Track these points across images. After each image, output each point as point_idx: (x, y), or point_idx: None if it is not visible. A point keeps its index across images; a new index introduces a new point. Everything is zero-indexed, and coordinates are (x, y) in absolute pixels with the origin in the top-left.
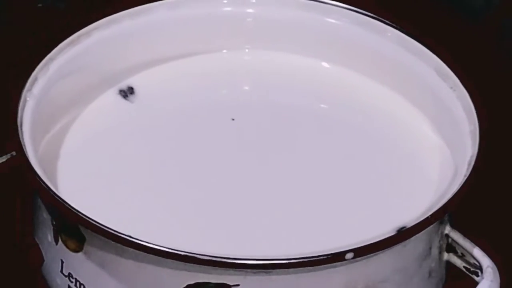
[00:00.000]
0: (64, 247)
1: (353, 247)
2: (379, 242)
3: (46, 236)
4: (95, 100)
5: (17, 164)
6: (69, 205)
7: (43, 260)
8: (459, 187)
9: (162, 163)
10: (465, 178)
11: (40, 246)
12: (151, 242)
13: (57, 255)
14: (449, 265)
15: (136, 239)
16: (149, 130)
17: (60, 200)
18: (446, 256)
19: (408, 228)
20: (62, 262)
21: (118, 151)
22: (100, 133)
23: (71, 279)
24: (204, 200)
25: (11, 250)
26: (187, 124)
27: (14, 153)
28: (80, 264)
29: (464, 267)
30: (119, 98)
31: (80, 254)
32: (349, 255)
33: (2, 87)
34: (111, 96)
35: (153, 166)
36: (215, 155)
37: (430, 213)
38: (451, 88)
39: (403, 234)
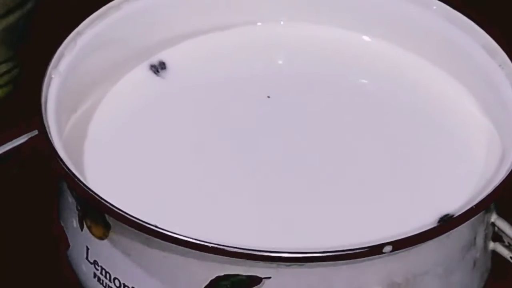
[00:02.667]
0: (89, 234)
1: (391, 240)
2: (420, 234)
3: (72, 222)
4: (124, 77)
5: (40, 145)
6: (95, 193)
7: (69, 245)
8: (507, 174)
9: (194, 145)
10: None
11: (65, 230)
12: (178, 233)
13: (82, 242)
14: (495, 254)
15: (163, 229)
16: (181, 109)
17: (85, 188)
18: (492, 245)
19: (452, 218)
20: (88, 248)
21: (149, 131)
22: (129, 112)
23: (96, 266)
24: (237, 187)
25: (37, 234)
26: (220, 102)
27: (36, 131)
28: (105, 251)
29: (510, 257)
30: (150, 74)
31: (105, 241)
32: (387, 248)
33: (28, 64)
34: (142, 72)
35: (184, 148)
36: (249, 136)
37: (475, 201)
38: (500, 66)
39: (445, 226)
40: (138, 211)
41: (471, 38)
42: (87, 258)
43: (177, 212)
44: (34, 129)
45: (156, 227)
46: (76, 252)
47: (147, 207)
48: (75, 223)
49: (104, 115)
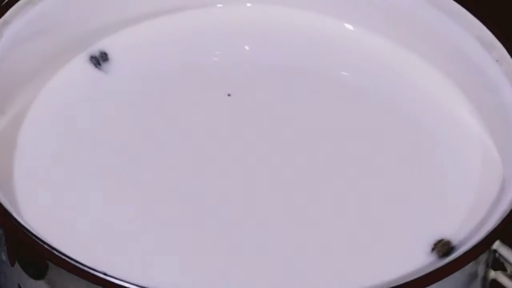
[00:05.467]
0: (22, 271)
1: (393, 285)
2: (420, 279)
3: (0, 254)
4: (60, 71)
5: None
6: (31, 233)
7: None
8: None
9: (142, 152)
10: None
11: None
12: (131, 282)
13: (13, 278)
14: (494, 284)
15: (114, 277)
16: (127, 108)
17: (19, 226)
18: (492, 274)
19: (461, 254)
20: (20, 287)
21: (91, 137)
22: (67, 113)
23: None
24: (194, 207)
25: None
26: (173, 99)
27: None
28: None
29: None
30: (91, 67)
31: (41, 282)
32: None
33: None
34: (80, 64)
35: (130, 158)
36: (206, 141)
37: (484, 230)
38: (497, 61)
39: (450, 266)
40: (77, 246)
41: (463, 28)
42: None
43: (125, 243)
44: None
45: (105, 274)
46: None
47: (86, 237)
48: (3, 255)
49: (36, 118)
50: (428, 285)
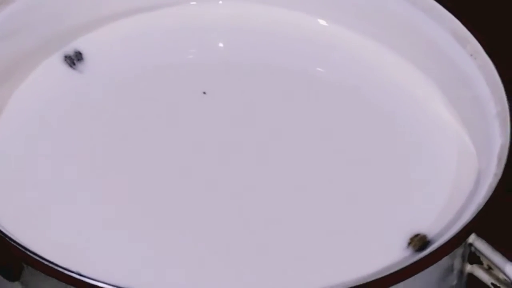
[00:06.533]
0: None
1: (365, 282)
2: (396, 273)
3: None
4: (33, 72)
5: None
6: (6, 235)
7: None
8: (491, 191)
9: (117, 151)
10: (496, 179)
11: None
12: (106, 282)
13: None
14: (471, 277)
15: (86, 277)
16: (103, 109)
17: None
18: (469, 268)
19: (436, 248)
20: None
21: (66, 140)
22: (41, 116)
23: None
24: (171, 211)
25: None
26: (148, 98)
27: None
28: None
29: (492, 284)
30: (65, 67)
31: (16, 283)
32: None
33: None
34: (55, 65)
35: (107, 160)
36: (182, 142)
37: (459, 224)
38: (471, 55)
39: (425, 260)
40: (51, 247)
41: (437, 23)
42: None
43: (100, 245)
44: None
45: (80, 275)
46: None
47: (60, 239)
48: None
49: (11, 119)
50: (404, 279)
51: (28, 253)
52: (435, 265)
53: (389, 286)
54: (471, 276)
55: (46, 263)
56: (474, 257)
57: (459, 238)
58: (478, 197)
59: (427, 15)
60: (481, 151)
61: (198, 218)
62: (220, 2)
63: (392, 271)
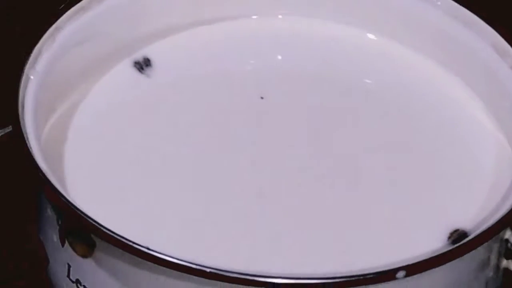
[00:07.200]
0: (71, 251)
1: (405, 264)
2: (436, 257)
3: (51, 236)
4: (106, 75)
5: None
6: (79, 209)
7: (48, 262)
8: None
9: (182, 150)
10: None
11: (45, 245)
12: (172, 256)
13: (63, 258)
14: (507, 272)
15: (155, 251)
16: (168, 109)
17: (69, 204)
18: (505, 263)
19: (470, 239)
20: (69, 266)
21: (133, 134)
22: (112, 113)
23: (79, 285)
24: (227, 202)
25: (12, 247)
26: (210, 102)
27: (10, 128)
28: (89, 271)
29: None
30: (134, 72)
31: (89, 260)
32: (400, 274)
33: (2, 63)
34: (125, 69)
35: (172, 154)
36: (240, 142)
37: (493, 219)
38: (511, 67)
39: (463, 247)
40: (123, 226)
41: (479, 37)
42: (68, 276)
43: (164, 227)
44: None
45: (148, 249)
46: (57, 269)
47: (131, 220)
48: (55, 237)
49: (85, 115)
50: (438, 266)
51: (100, 227)
52: (471, 257)
53: (423, 271)
54: (507, 270)
55: (115, 236)
56: (510, 253)
57: (491, 231)
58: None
59: (469, 29)
60: None
61: (257, 210)
62: (280, 16)
63: (426, 257)
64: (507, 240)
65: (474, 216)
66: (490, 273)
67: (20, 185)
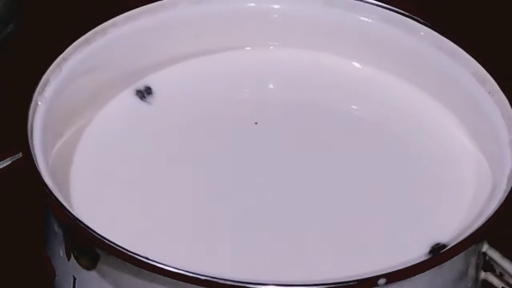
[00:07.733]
0: (76, 264)
1: (386, 272)
2: (414, 266)
3: (58, 250)
4: (110, 102)
5: (25, 168)
6: (83, 223)
7: (55, 275)
8: (499, 204)
9: (183, 172)
10: (505, 194)
11: (51, 259)
12: (171, 265)
13: (69, 271)
14: (485, 284)
15: (154, 261)
16: (168, 134)
17: (74, 218)
18: (483, 275)
19: (446, 250)
20: (75, 279)
21: (136, 157)
22: (116, 137)
23: None
24: (225, 217)
25: (21, 263)
26: (207, 128)
27: (20, 154)
28: (93, 282)
29: (502, 287)
30: (136, 99)
31: (93, 272)
32: (381, 281)
33: (12, 90)
34: (128, 97)
35: (172, 175)
36: (237, 163)
37: (469, 231)
38: (489, 93)
39: (441, 256)
40: (126, 241)
41: (460, 65)
42: None
43: (167, 240)
44: (18, 152)
45: (147, 259)
46: (63, 282)
47: (135, 236)
48: (61, 252)
49: (90, 140)
50: (417, 273)
51: (103, 239)
52: (450, 267)
53: (402, 279)
54: (485, 282)
55: (119, 248)
56: (488, 265)
57: (466, 242)
58: (489, 210)
59: (451, 59)
60: (496, 172)
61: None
62: (271, 48)
63: (406, 266)
64: (484, 253)
65: (454, 230)
66: (468, 284)
67: (28, 208)
